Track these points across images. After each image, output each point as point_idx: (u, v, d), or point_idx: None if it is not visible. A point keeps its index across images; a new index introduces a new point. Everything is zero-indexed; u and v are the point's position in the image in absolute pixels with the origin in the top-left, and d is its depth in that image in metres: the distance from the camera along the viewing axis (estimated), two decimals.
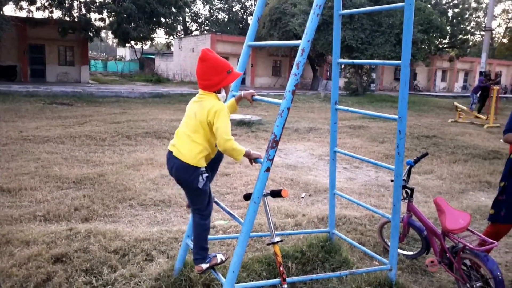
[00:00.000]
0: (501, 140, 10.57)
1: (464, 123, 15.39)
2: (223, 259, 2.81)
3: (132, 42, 29.62)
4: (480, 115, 16.27)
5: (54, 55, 26.35)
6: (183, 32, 45.59)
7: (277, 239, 2.73)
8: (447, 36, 32.59)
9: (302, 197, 5.81)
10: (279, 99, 2.57)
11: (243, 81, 29.37)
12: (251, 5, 46.58)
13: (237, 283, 2.63)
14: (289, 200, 5.58)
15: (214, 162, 2.80)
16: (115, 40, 36.89)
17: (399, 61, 2.99)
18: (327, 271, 3.43)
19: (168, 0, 25.79)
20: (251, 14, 45.96)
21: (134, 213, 4.83)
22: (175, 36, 39.03)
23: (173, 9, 27.56)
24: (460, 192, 6.53)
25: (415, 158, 3.77)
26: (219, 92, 2.60)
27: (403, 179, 3.52)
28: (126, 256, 3.48)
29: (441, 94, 33.98)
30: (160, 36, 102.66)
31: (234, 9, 47.88)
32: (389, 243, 3.48)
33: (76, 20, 24.40)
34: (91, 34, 25.06)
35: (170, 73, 38.20)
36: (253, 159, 2.65)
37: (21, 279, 3.03)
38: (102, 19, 26.00)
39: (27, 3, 23.41)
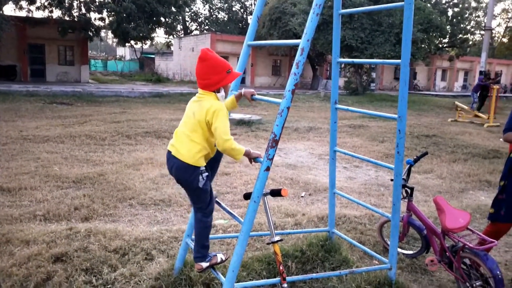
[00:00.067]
0: (501, 139, 10.56)
1: (464, 123, 15.39)
2: (223, 258, 2.82)
3: (132, 42, 29.65)
4: (480, 114, 16.26)
5: (54, 55, 26.35)
6: (183, 32, 45.62)
7: (277, 238, 2.73)
8: (447, 36, 32.66)
9: (302, 196, 5.81)
10: (279, 99, 2.57)
11: (243, 81, 29.42)
12: (251, 4, 46.60)
13: (237, 282, 2.64)
14: (289, 199, 5.58)
15: (214, 161, 2.80)
16: (115, 40, 36.85)
17: (399, 61, 3.00)
18: (327, 270, 3.44)
19: (168, 0, 25.79)
20: (250, 13, 45.96)
21: (134, 213, 4.83)
22: (175, 35, 39.06)
23: (173, 9, 27.57)
24: (460, 191, 6.53)
25: (415, 157, 3.77)
26: (218, 92, 2.60)
27: (403, 178, 3.53)
28: (126, 255, 3.48)
29: (441, 94, 33.96)
30: (160, 35, 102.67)
31: (234, 9, 47.89)
32: (389, 242, 3.47)
33: (76, 19, 24.43)
34: (91, 34, 25.10)
35: (170, 73, 38.20)
36: (253, 159, 2.65)
37: (21, 279, 3.03)
38: (102, 19, 26.05)
39: (27, 2, 23.43)
